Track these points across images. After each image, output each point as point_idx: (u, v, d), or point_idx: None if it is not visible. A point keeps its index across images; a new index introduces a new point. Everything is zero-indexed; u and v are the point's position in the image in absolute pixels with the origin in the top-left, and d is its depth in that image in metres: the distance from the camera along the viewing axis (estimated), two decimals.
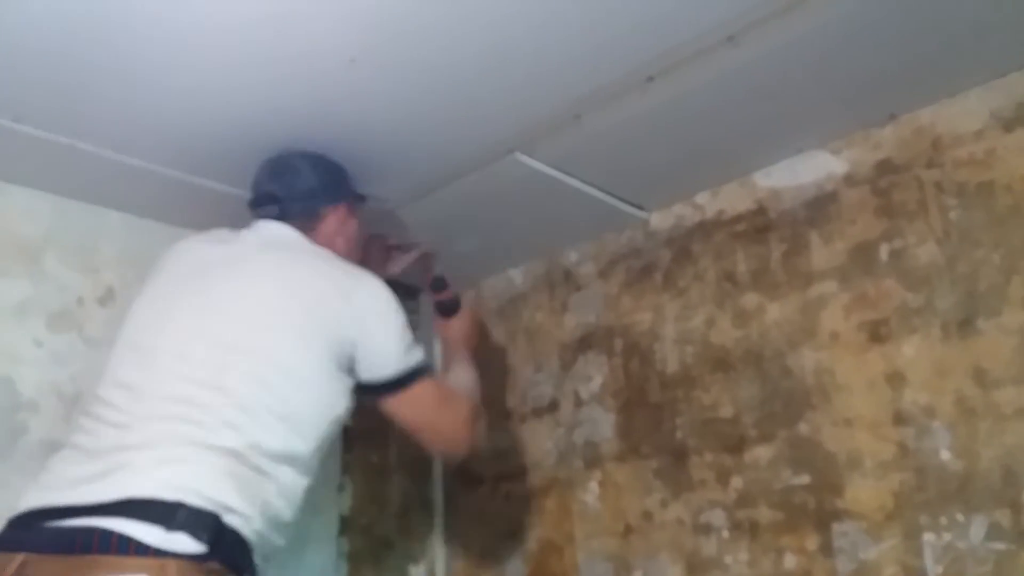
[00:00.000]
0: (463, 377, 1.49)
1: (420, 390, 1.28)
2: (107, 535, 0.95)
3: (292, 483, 1.13)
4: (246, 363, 1.12)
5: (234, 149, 1.37)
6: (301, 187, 1.34)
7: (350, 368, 1.22)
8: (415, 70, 1.20)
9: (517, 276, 1.92)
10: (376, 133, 1.36)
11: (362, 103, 1.28)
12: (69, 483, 1.04)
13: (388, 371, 1.25)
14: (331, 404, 1.20)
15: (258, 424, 1.09)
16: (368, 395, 1.27)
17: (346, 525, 1.76)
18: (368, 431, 1.77)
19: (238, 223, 1.38)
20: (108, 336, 1.45)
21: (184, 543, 0.96)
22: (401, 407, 1.28)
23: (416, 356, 1.28)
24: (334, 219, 1.37)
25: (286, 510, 1.12)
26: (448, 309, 1.64)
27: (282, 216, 1.32)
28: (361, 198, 1.45)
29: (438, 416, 1.32)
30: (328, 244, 1.34)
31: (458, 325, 1.62)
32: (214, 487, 1.02)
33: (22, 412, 1.36)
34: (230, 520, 1.01)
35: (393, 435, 1.87)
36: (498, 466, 1.82)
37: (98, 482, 1.02)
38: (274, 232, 1.31)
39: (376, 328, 1.23)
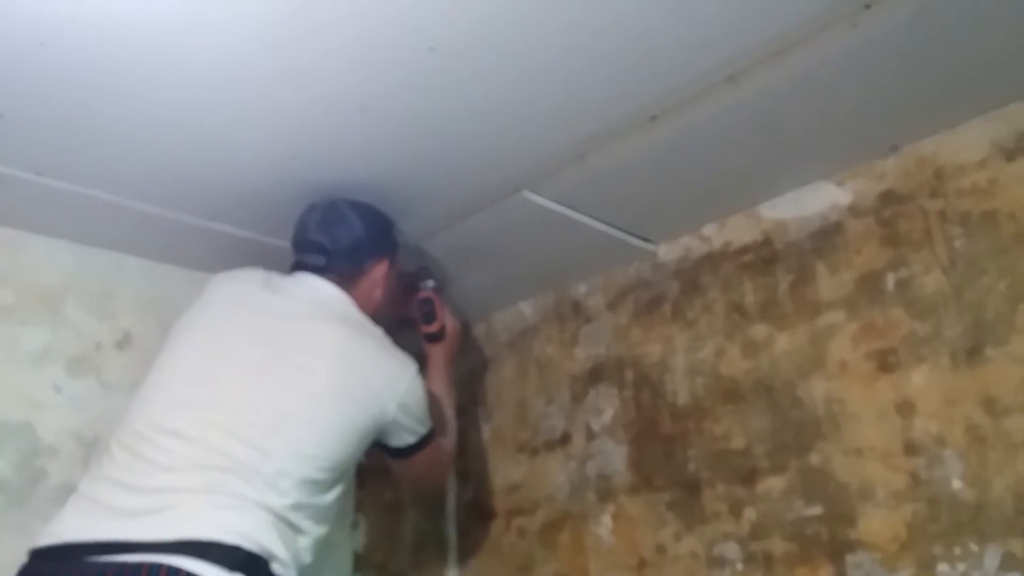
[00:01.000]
0: (444, 400, 1.62)
1: (425, 454, 1.43)
2: (174, 571, 0.99)
3: (318, 534, 1.21)
4: (295, 434, 1.18)
5: (250, 195, 1.41)
6: (348, 240, 1.38)
7: (378, 437, 1.34)
8: (424, 116, 1.23)
9: (527, 309, 1.94)
10: (388, 175, 1.39)
11: (373, 148, 1.31)
12: (112, 517, 1.06)
13: (407, 442, 1.40)
14: (353, 464, 1.32)
15: (296, 489, 1.15)
16: (378, 447, 1.39)
17: (360, 562, 1.76)
18: (381, 468, 1.77)
19: (250, 265, 1.41)
20: (125, 380, 1.49)
21: None
22: (407, 467, 1.46)
23: (428, 424, 1.42)
24: (377, 273, 1.42)
25: (310, 556, 1.19)
26: (436, 338, 1.66)
27: (328, 267, 1.36)
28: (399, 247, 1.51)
29: (430, 471, 1.52)
30: (367, 295, 1.41)
31: (441, 349, 1.67)
32: (263, 535, 1.08)
33: (41, 457, 1.39)
34: (276, 568, 1.08)
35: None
36: (511, 500, 1.82)
37: (151, 520, 1.05)
38: (323, 292, 1.36)
39: (411, 413, 1.36)
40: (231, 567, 1.02)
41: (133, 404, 1.22)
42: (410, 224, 1.56)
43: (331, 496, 1.23)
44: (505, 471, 1.85)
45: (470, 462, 1.95)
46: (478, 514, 1.89)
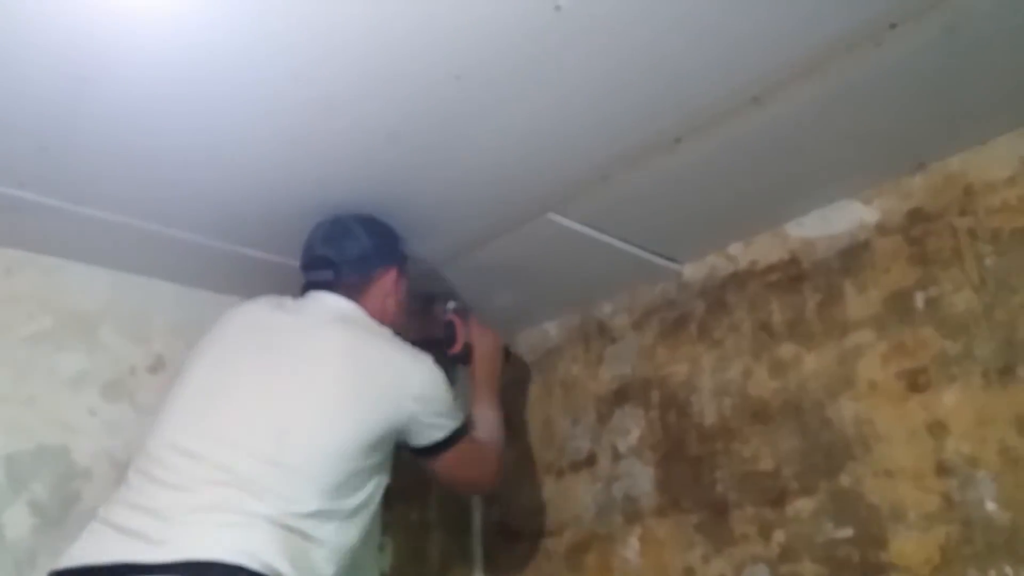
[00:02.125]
0: (488, 416, 1.59)
1: (458, 450, 1.38)
2: None
3: (340, 544, 1.18)
4: (305, 441, 1.17)
5: (280, 220, 1.43)
6: (355, 252, 1.38)
7: (401, 437, 1.31)
8: (451, 142, 1.25)
9: (552, 329, 1.94)
10: (416, 200, 1.41)
11: (402, 174, 1.33)
12: (122, 539, 1.07)
13: (434, 439, 1.35)
14: (377, 470, 1.27)
15: (313, 496, 1.14)
16: (408, 451, 1.36)
17: None
18: (407, 489, 1.79)
19: (284, 290, 1.43)
20: (159, 404, 1.51)
21: None
22: (441, 466, 1.39)
23: (458, 418, 1.37)
24: (386, 281, 1.42)
25: (331, 569, 1.16)
26: (463, 359, 1.67)
27: (336, 280, 1.37)
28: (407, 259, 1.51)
29: (472, 469, 1.45)
30: (380, 306, 1.40)
31: (475, 370, 1.67)
32: (270, 553, 1.06)
33: (76, 480, 1.41)
34: None
35: (433, 492, 1.89)
36: (537, 522, 1.82)
37: (158, 542, 1.05)
38: (333, 306, 1.36)
39: (431, 408, 1.32)
40: None
41: (148, 430, 1.24)
42: (437, 246, 1.58)
43: (354, 501, 1.20)
44: (531, 492, 1.85)
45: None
46: (504, 536, 1.89)
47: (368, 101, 1.14)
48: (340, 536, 1.18)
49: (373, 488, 1.26)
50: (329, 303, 1.36)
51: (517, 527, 1.86)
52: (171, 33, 0.99)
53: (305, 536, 1.12)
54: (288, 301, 1.40)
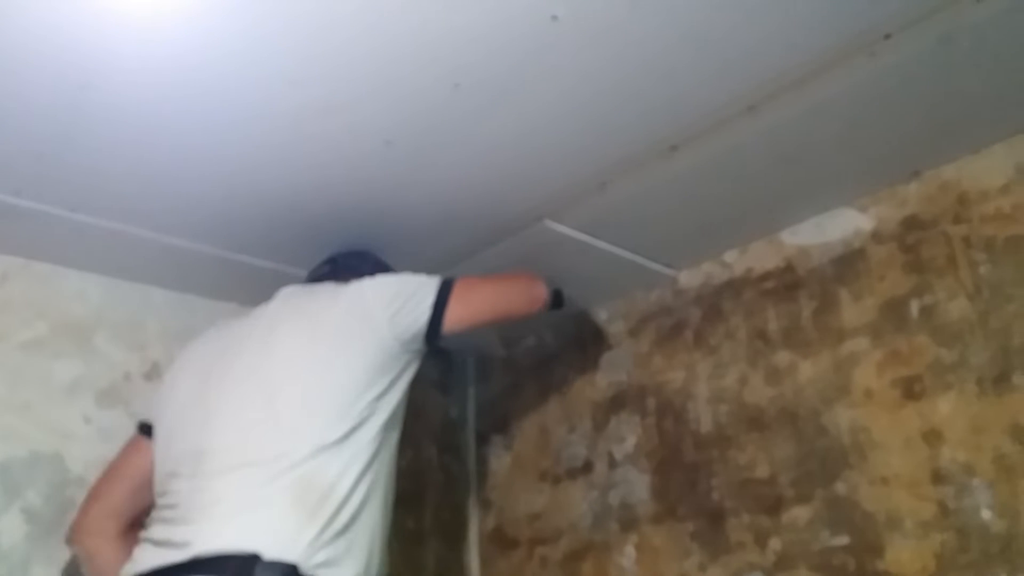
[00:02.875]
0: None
1: (458, 296, 1.31)
2: None
3: (362, 471, 1.16)
4: (293, 396, 1.18)
5: (275, 226, 1.44)
6: (354, 257, 1.46)
7: (410, 344, 1.27)
8: (447, 148, 1.25)
9: (548, 335, 1.94)
10: (412, 206, 1.42)
11: (399, 179, 1.33)
12: (157, 551, 1.10)
13: (426, 305, 1.28)
14: (383, 393, 1.24)
15: (314, 437, 1.14)
16: (434, 336, 1.29)
17: None
18: (403, 497, 1.78)
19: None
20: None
21: None
22: (458, 310, 1.30)
23: (434, 279, 1.32)
24: None
25: (360, 494, 1.15)
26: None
27: (332, 273, 1.41)
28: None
29: (489, 296, 1.38)
30: None
31: None
32: (285, 531, 1.06)
33: (71, 488, 1.40)
34: (307, 569, 1.04)
35: (429, 500, 1.88)
36: (533, 529, 1.82)
37: (182, 544, 1.07)
38: (289, 289, 1.36)
39: (397, 295, 1.27)
40: None
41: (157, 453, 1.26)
42: (433, 252, 1.58)
43: (370, 430, 1.18)
44: (527, 499, 1.85)
45: (491, 490, 1.95)
46: (500, 543, 1.88)
47: (364, 106, 1.14)
48: (359, 462, 1.16)
49: (380, 424, 1.22)
50: (285, 290, 1.37)
51: (513, 534, 1.85)
52: (167, 40, 0.99)
53: (320, 473, 1.11)
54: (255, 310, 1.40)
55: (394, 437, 1.27)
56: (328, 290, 1.32)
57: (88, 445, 1.44)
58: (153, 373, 1.56)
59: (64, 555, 1.36)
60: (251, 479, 1.11)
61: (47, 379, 1.44)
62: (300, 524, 1.07)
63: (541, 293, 1.42)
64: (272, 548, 1.04)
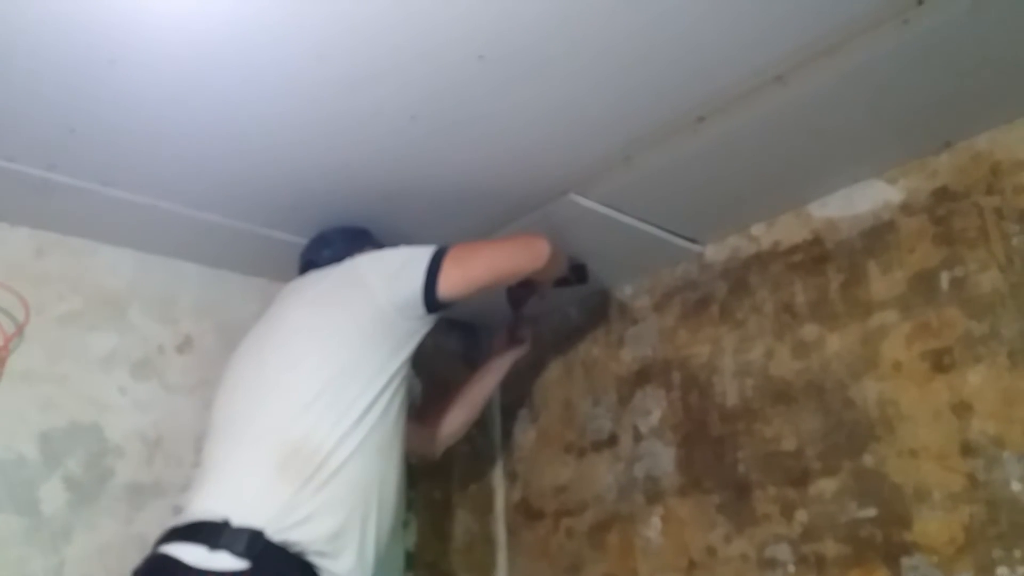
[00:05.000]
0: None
1: (454, 252, 1.31)
2: (158, 558, 1.07)
3: (357, 419, 1.19)
4: (281, 360, 1.24)
5: (303, 201, 1.45)
6: (332, 247, 1.45)
7: (398, 309, 1.27)
8: (472, 122, 1.25)
9: (573, 310, 1.95)
10: (437, 180, 1.42)
11: (424, 154, 1.33)
12: (173, 515, 1.19)
13: (420, 270, 1.28)
14: (379, 357, 1.26)
15: (306, 405, 1.18)
16: (432, 302, 1.29)
17: (412, 561, 1.79)
18: (431, 468, 1.81)
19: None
20: (187, 382, 1.55)
21: (225, 561, 1.03)
22: (454, 273, 1.29)
23: (430, 247, 1.32)
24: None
25: (353, 440, 1.17)
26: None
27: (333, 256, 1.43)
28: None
29: (491, 248, 1.38)
30: None
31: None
32: (258, 490, 1.11)
33: (109, 457, 1.44)
34: (274, 532, 1.07)
35: (456, 471, 1.91)
36: (558, 501, 1.83)
37: (181, 508, 1.16)
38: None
39: (389, 262, 1.30)
40: (213, 546, 1.04)
41: None
42: (458, 226, 1.58)
43: (359, 390, 1.21)
44: (553, 472, 1.86)
45: (517, 462, 1.97)
46: (526, 514, 1.90)
47: (390, 81, 1.14)
48: (343, 422, 1.18)
49: (374, 386, 1.23)
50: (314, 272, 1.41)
51: (539, 506, 1.87)
52: (195, 15, 1.00)
53: (295, 437, 1.14)
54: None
55: (396, 401, 1.27)
56: (320, 276, 1.37)
57: (125, 416, 1.48)
58: (185, 346, 1.59)
59: (105, 522, 1.40)
60: (236, 446, 1.18)
61: (83, 351, 1.47)
62: (273, 486, 1.11)
63: (542, 248, 1.38)
64: (239, 513, 1.07)
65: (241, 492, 1.11)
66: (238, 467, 1.15)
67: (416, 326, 1.30)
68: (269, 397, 1.21)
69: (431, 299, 1.28)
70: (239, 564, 1.03)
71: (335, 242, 1.46)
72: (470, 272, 1.31)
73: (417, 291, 1.27)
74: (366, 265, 1.31)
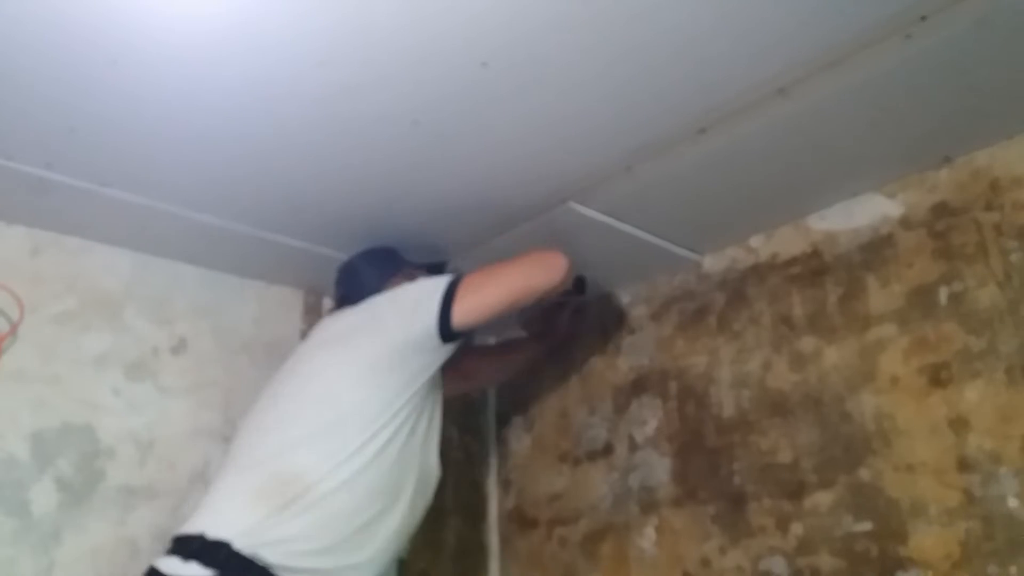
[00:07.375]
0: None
1: (468, 279, 1.33)
2: (149, 572, 1.16)
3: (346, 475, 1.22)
4: (289, 395, 1.30)
5: (302, 206, 1.45)
6: (360, 279, 1.48)
7: (415, 343, 1.30)
8: (474, 129, 1.25)
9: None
10: (438, 186, 1.42)
11: (426, 160, 1.33)
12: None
13: (434, 302, 1.30)
14: (389, 389, 1.29)
15: (285, 439, 1.25)
16: (447, 332, 1.30)
17: (404, 569, 1.77)
18: None
19: (302, 274, 1.44)
20: (181, 384, 1.54)
21: (194, 570, 1.11)
22: (469, 301, 1.31)
23: (442, 278, 1.34)
24: (393, 284, 1.45)
25: (335, 518, 1.21)
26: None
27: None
28: (416, 265, 1.54)
29: (505, 271, 1.37)
30: None
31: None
32: (233, 510, 1.17)
33: (100, 459, 1.43)
34: (242, 546, 1.12)
35: (449, 479, 1.89)
36: (552, 510, 1.83)
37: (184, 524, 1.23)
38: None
39: (406, 296, 1.34)
40: (185, 556, 1.12)
41: None
42: (458, 232, 1.58)
43: (361, 423, 1.24)
44: (547, 480, 1.86)
45: (511, 470, 1.96)
46: (520, 523, 1.89)
47: (392, 87, 1.14)
48: (336, 455, 1.21)
49: (380, 418, 1.26)
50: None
51: (532, 515, 1.86)
52: (196, 18, 1.00)
53: (281, 469, 1.20)
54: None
55: (403, 431, 1.29)
56: (346, 315, 1.40)
57: (117, 417, 1.47)
58: (180, 348, 1.58)
59: (96, 524, 1.39)
60: (229, 472, 1.24)
61: (77, 352, 1.46)
62: (248, 506, 1.17)
63: (558, 263, 1.37)
64: (213, 527, 1.16)
65: (219, 511, 1.19)
66: (223, 490, 1.22)
67: (431, 359, 1.33)
68: (269, 430, 1.27)
69: (446, 329, 1.30)
70: (205, 572, 1.10)
71: (362, 271, 1.49)
72: (485, 298, 1.32)
73: (432, 323, 1.29)
74: (384, 306, 1.35)
